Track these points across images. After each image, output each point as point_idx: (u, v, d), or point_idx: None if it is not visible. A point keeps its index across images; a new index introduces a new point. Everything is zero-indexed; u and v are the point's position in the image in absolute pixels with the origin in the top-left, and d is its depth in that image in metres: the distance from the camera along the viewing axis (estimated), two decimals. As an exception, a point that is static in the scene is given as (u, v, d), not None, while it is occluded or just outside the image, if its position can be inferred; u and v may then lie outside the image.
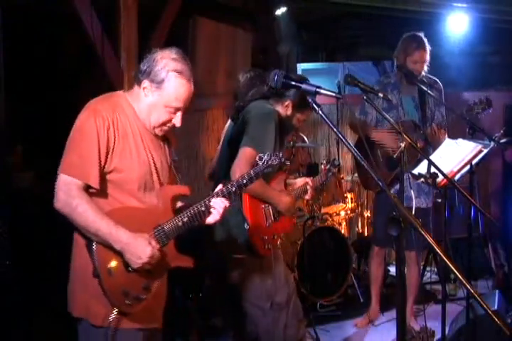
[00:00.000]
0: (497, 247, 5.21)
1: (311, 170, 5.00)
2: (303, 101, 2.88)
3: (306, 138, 5.20)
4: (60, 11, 4.49)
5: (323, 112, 1.83)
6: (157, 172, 2.22)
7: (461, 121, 3.59)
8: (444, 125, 3.88)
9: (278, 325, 2.83)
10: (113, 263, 2.04)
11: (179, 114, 2.17)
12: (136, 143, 2.15)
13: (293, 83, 1.94)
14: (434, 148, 3.85)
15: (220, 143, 3.15)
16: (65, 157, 2.07)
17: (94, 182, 2.05)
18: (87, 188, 2.06)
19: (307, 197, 3.14)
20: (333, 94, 1.91)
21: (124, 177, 2.11)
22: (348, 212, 5.08)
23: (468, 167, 3.21)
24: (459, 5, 5.76)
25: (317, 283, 4.43)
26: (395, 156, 3.83)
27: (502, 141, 4.10)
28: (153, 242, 2.06)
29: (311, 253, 4.38)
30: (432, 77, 4.02)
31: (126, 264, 2.05)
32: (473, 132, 3.29)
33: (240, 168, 2.66)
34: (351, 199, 5.12)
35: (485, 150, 3.23)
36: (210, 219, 2.24)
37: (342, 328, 4.27)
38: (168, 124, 2.20)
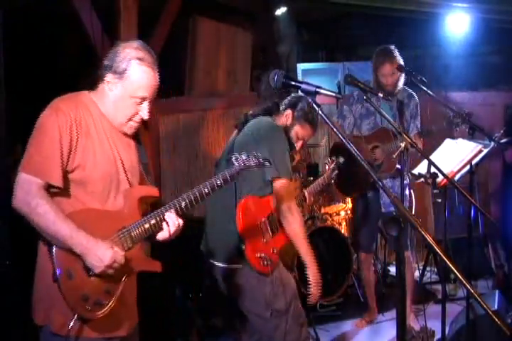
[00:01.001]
0: (497, 247, 5.21)
1: (311, 170, 4.99)
2: (303, 114, 2.89)
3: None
4: (60, 11, 4.49)
5: (323, 112, 1.83)
6: (125, 172, 2.14)
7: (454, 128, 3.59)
8: (423, 135, 3.90)
9: (278, 331, 2.81)
10: (73, 267, 1.96)
11: (145, 105, 2.11)
12: (100, 141, 2.08)
13: (293, 83, 1.94)
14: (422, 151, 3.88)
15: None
16: (26, 155, 2.01)
17: (57, 181, 1.98)
18: (48, 188, 1.98)
19: (308, 203, 3.11)
20: (333, 94, 1.91)
21: (87, 175, 2.04)
22: (348, 212, 5.08)
23: (468, 167, 3.22)
24: (459, 5, 5.76)
25: (317, 283, 4.43)
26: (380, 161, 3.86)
27: (502, 141, 4.10)
28: (116, 247, 1.98)
29: (311, 253, 4.37)
30: (409, 90, 4.01)
31: (87, 268, 1.97)
32: (473, 132, 3.29)
33: (288, 205, 2.74)
34: (351, 199, 5.11)
35: (485, 150, 3.23)
36: (160, 236, 2.13)
37: (342, 328, 4.27)
38: (136, 119, 2.13)
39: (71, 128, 2.01)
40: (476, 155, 3.20)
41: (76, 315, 1.95)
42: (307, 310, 4.06)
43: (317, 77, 6.24)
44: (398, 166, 3.82)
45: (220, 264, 2.83)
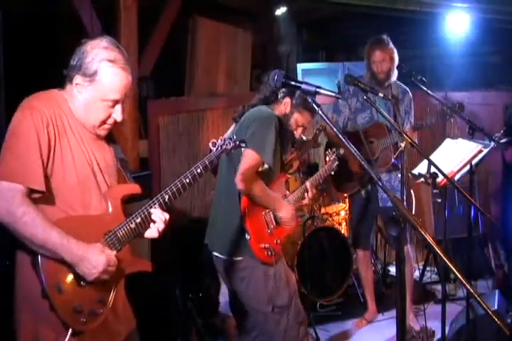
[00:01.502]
0: (497, 247, 5.21)
1: (311, 170, 4.99)
2: (302, 101, 2.89)
3: (304, 138, 5.19)
4: (60, 11, 4.49)
5: (323, 112, 1.83)
6: (102, 174, 2.04)
7: (461, 121, 3.60)
8: (416, 128, 3.90)
9: (278, 328, 2.82)
10: (62, 279, 1.86)
11: (118, 108, 2.00)
12: (76, 142, 1.97)
13: (293, 83, 1.94)
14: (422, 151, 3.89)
15: None
16: (2, 162, 1.85)
17: (39, 185, 1.84)
18: (29, 194, 1.84)
19: (309, 195, 3.08)
20: (333, 94, 1.91)
21: (65, 180, 1.92)
22: (348, 212, 5.08)
23: (468, 167, 3.21)
24: (459, 5, 5.76)
25: (317, 283, 4.43)
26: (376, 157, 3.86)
27: (502, 141, 4.10)
28: (108, 250, 1.91)
29: (311, 253, 4.37)
30: (402, 85, 4.02)
31: (77, 278, 1.88)
32: (473, 132, 3.29)
33: (243, 173, 2.66)
34: (348, 195, 5.11)
35: (485, 150, 3.23)
36: (149, 234, 2.06)
37: (342, 328, 4.27)
38: (109, 121, 2.02)
39: (48, 128, 1.89)
40: (476, 155, 3.20)
41: (70, 330, 1.86)
42: (307, 309, 4.07)
43: (317, 77, 6.24)
44: (393, 160, 3.84)
45: (224, 257, 2.84)
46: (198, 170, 2.11)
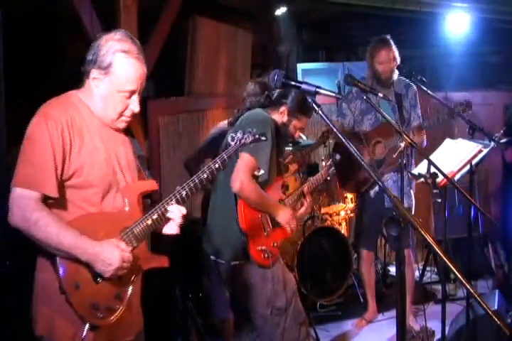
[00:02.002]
0: (497, 247, 5.21)
1: (311, 170, 5.00)
2: (299, 108, 2.90)
3: (304, 137, 5.19)
4: (60, 11, 4.49)
5: (323, 112, 1.83)
6: (122, 170, 2.07)
7: (456, 120, 3.60)
8: (422, 125, 3.88)
9: (277, 330, 2.82)
10: (79, 277, 1.90)
11: (135, 98, 2.03)
12: (94, 142, 1.99)
13: (293, 83, 1.93)
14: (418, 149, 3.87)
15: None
16: (17, 169, 1.92)
17: (52, 192, 1.89)
18: (45, 199, 1.90)
19: (308, 200, 3.08)
20: (333, 94, 1.91)
21: (85, 179, 1.96)
22: (348, 212, 5.08)
23: (468, 167, 3.21)
24: (459, 5, 5.77)
25: (317, 283, 4.43)
26: (382, 156, 3.86)
27: (502, 141, 4.10)
28: (122, 245, 1.94)
29: (311, 253, 4.37)
30: (405, 80, 4.01)
31: (94, 275, 1.92)
32: (473, 132, 3.28)
33: (239, 176, 2.67)
34: (351, 199, 5.11)
35: (485, 150, 3.23)
36: (168, 230, 2.10)
37: (342, 328, 4.27)
38: (127, 113, 2.05)
39: (63, 134, 1.92)
40: (476, 155, 3.20)
41: (88, 325, 1.91)
42: (307, 310, 4.07)
43: (317, 77, 6.24)
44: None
45: (222, 261, 2.84)
46: (216, 165, 2.14)
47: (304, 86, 1.90)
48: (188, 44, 5.59)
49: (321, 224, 4.59)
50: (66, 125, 1.94)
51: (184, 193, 2.08)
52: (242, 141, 2.23)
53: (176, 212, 2.06)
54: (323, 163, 3.39)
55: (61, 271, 1.88)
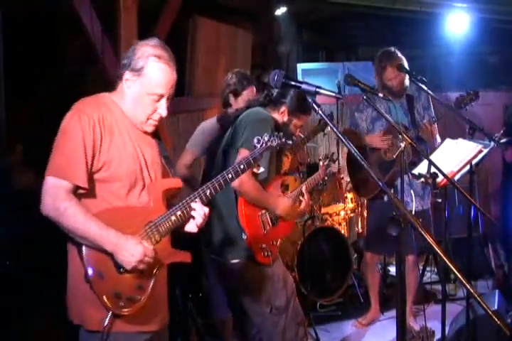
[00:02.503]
0: (497, 247, 5.21)
1: (311, 170, 5.00)
2: (298, 107, 2.90)
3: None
4: (60, 11, 4.50)
5: (323, 112, 1.83)
6: (148, 169, 2.16)
7: (461, 121, 3.60)
8: (434, 121, 3.86)
9: (277, 328, 2.82)
10: (103, 266, 1.98)
11: (164, 102, 2.13)
12: (123, 140, 2.10)
13: (293, 83, 1.94)
14: (429, 145, 3.86)
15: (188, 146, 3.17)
16: (51, 159, 2.03)
17: (83, 182, 2.00)
18: (75, 190, 2.01)
19: (305, 198, 3.08)
20: (333, 94, 1.91)
21: (113, 174, 2.06)
22: (348, 212, 5.08)
23: (468, 167, 3.21)
24: (459, 5, 5.77)
25: (317, 283, 4.43)
26: (393, 157, 3.84)
27: (502, 141, 4.09)
28: (146, 243, 2.01)
29: (311, 253, 4.37)
30: (417, 83, 4.00)
31: (117, 265, 2.00)
32: (473, 132, 3.29)
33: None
34: (351, 199, 5.12)
35: (485, 150, 3.22)
36: (189, 228, 2.17)
37: (342, 328, 4.27)
38: (154, 117, 2.15)
39: (94, 129, 2.03)
40: (476, 156, 3.19)
41: (110, 312, 1.98)
42: (307, 310, 4.07)
43: (317, 77, 6.23)
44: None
45: (221, 259, 2.84)
46: (242, 167, 2.25)
47: (304, 86, 1.90)
48: (188, 44, 5.60)
49: (321, 224, 4.59)
50: (98, 121, 2.04)
51: (208, 192, 2.16)
52: (269, 144, 2.31)
53: (199, 211, 2.13)
54: (321, 163, 3.40)
55: (86, 260, 1.97)
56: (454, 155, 3.25)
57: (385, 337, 4.00)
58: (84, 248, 1.97)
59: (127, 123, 2.14)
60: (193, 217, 2.14)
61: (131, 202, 2.10)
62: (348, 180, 5.32)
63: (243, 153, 2.69)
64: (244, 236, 2.74)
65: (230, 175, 2.21)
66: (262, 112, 2.87)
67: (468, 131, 3.30)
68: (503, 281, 4.87)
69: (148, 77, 2.09)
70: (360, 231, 5.53)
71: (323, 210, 4.84)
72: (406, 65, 3.86)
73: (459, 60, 7.16)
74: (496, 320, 1.42)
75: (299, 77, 6.31)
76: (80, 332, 2.09)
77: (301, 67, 6.66)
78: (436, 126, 3.90)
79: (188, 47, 5.59)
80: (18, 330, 3.37)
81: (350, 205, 5.09)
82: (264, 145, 2.29)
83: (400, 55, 3.87)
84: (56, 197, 1.97)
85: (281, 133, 2.36)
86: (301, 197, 3.05)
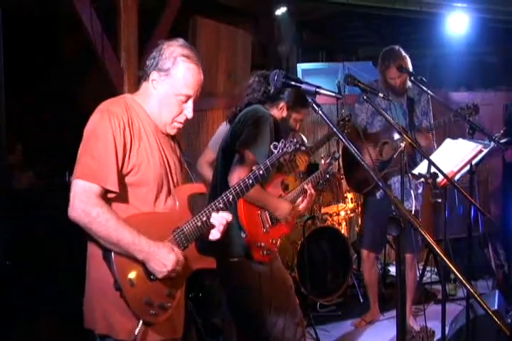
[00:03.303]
0: (497, 247, 5.21)
1: (311, 170, 4.99)
2: (297, 101, 2.90)
3: (305, 139, 5.20)
4: (60, 11, 4.50)
5: (323, 112, 1.83)
6: (171, 173, 2.13)
7: (461, 121, 3.59)
8: (431, 129, 3.87)
9: (275, 328, 2.82)
10: (134, 273, 1.93)
11: (190, 104, 2.09)
12: (150, 143, 2.05)
13: (293, 83, 1.93)
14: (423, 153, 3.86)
15: (209, 145, 3.17)
16: (79, 161, 1.95)
17: (114, 187, 1.93)
18: (105, 194, 1.94)
19: (311, 192, 3.06)
20: (333, 94, 1.91)
21: (141, 178, 2.01)
22: (348, 212, 5.08)
23: (468, 167, 3.21)
24: (459, 5, 5.77)
25: (317, 283, 4.43)
26: (389, 157, 3.85)
27: (502, 141, 4.09)
28: (176, 249, 1.98)
29: (311, 253, 4.37)
30: (420, 85, 4.00)
31: (148, 273, 1.95)
32: (473, 132, 3.29)
33: (237, 172, 2.67)
34: (351, 199, 5.12)
35: (485, 150, 3.22)
36: (211, 236, 2.14)
37: (342, 328, 4.27)
38: (179, 119, 2.11)
39: (124, 132, 1.97)
40: (476, 155, 3.19)
41: (141, 321, 1.94)
42: (307, 310, 4.07)
43: (317, 77, 6.24)
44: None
45: (220, 257, 2.84)
46: (261, 172, 2.25)
47: (304, 86, 1.90)
48: (188, 44, 5.59)
49: (321, 224, 4.59)
50: (127, 124, 1.99)
51: (231, 197, 2.15)
52: (285, 149, 2.33)
53: (219, 219, 2.11)
54: (323, 161, 3.40)
55: (116, 267, 1.91)
56: (454, 155, 3.25)
57: (385, 337, 4.00)
58: (113, 255, 1.91)
59: (152, 125, 2.09)
60: (214, 224, 2.12)
61: (158, 207, 2.06)
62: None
63: (242, 152, 2.69)
64: (243, 235, 2.74)
65: (250, 181, 2.22)
66: (261, 110, 2.86)
67: (468, 131, 3.30)
68: (503, 281, 4.87)
69: (176, 77, 2.05)
70: (358, 231, 5.53)
71: (323, 210, 4.84)
72: (410, 63, 3.86)
73: (458, 60, 7.17)
74: (496, 320, 1.42)
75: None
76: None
77: (301, 67, 6.67)
78: (432, 134, 3.90)
79: (188, 47, 5.59)
80: (18, 330, 3.37)
81: (350, 205, 5.09)
82: (280, 151, 2.32)
83: (404, 53, 3.87)
84: (87, 202, 1.89)
85: (295, 140, 2.37)
86: (301, 198, 3.05)
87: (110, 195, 1.96)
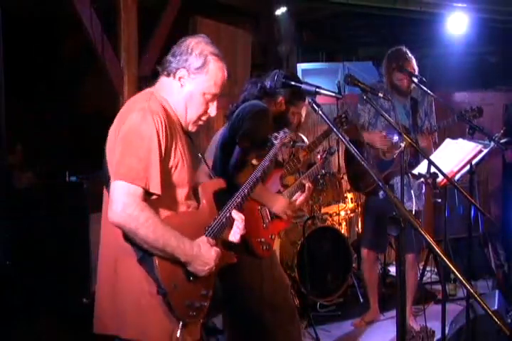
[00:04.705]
0: (497, 247, 5.21)
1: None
2: (294, 95, 2.91)
3: (305, 139, 5.19)
4: (60, 11, 4.50)
5: (323, 112, 1.83)
6: (192, 170, 2.12)
7: (461, 121, 3.60)
8: (435, 130, 3.86)
9: (271, 327, 2.82)
10: (176, 276, 1.92)
11: (215, 103, 2.08)
12: (182, 142, 2.03)
13: (293, 83, 1.94)
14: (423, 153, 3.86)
15: (211, 143, 3.19)
16: (123, 162, 1.85)
17: (158, 190, 1.87)
18: (146, 196, 1.86)
19: (309, 185, 3.07)
20: (333, 94, 1.91)
21: (178, 178, 1.98)
22: (348, 212, 5.08)
23: (468, 167, 3.21)
24: (459, 5, 5.77)
25: (317, 283, 4.43)
26: (392, 157, 3.84)
27: (502, 141, 4.09)
28: (212, 241, 1.99)
29: (311, 253, 4.37)
30: (423, 87, 4.00)
31: (187, 274, 1.94)
32: (473, 132, 3.29)
33: (236, 165, 2.70)
34: (351, 199, 5.12)
35: (485, 150, 3.22)
36: (232, 238, 2.14)
37: (342, 328, 4.27)
38: (203, 117, 2.08)
39: (166, 130, 1.92)
40: (476, 155, 3.19)
41: (181, 323, 1.92)
42: (307, 310, 4.07)
43: (317, 77, 6.24)
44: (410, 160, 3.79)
45: None
46: (266, 163, 2.36)
47: (303, 86, 1.90)
48: (188, 44, 5.59)
49: (321, 224, 4.59)
50: (166, 122, 1.94)
51: (246, 191, 2.22)
52: (283, 140, 2.48)
53: (238, 215, 2.13)
54: (318, 156, 3.42)
55: (160, 272, 1.86)
56: (453, 155, 3.25)
57: (385, 337, 4.00)
58: (156, 259, 1.85)
59: (177, 122, 2.06)
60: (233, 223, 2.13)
61: (188, 206, 2.04)
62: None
63: (243, 146, 2.72)
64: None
65: (259, 173, 2.29)
66: (259, 104, 2.88)
67: (468, 131, 3.30)
68: (503, 281, 4.86)
69: (208, 75, 2.02)
70: (360, 231, 5.53)
71: (323, 210, 4.84)
72: (415, 65, 3.86)
73: (458, 60, 7.16)
74: (496, 320, 1.42)
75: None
76: None
77: (301, 67, 6.67)
78: (435, 135, 3.89)
79: (188, 47, 5.59)
80: (18, 330, 3.37)
81: (350, 205, 5.09)
82: (279, 141, 2.44)
83: (410, 55, 3.87)
84: (135, 206, 1.81)
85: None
86: (298, 193, 3.05)
87: (152, 198, 1.89)
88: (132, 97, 2.08)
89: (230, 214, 2.10)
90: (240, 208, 2.16)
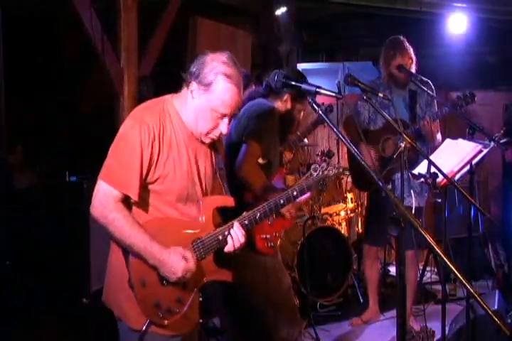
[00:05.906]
0: (497, 247, 5.21)
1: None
2: (300, 92, 2.92)
3: (305, 139, 5.20)
4: (60, 11, 4.50)
5: (323, 112, 1.83)
6: (200, 183, 2.15)
7: (461, 121, 3.59)
8: (437, 117, 3.84)
9: (272, 325, 2.82)
10: (147, 275, 2.01)
11: (226, 120, 2.09)
12: (180, 153, 2.08)
13: (293, 83, 1.94)
14: (427, 142, 3.85)
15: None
16: (107, 162, 2.02)
17: (134, 194, 1.99)
18: (125, 198, 2.01)
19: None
20: (333, 94, 1.92)
21: (166, 188, 2.06)
22: (348, 212, 5.08)
23: (468, 167, 3.21)
24: (459, 5, 5.77)
25: (317, 283, 4.43)
26: (394, 156, 3.84)
27: (502, 141, 4.09)
28: (189, 256, 2.01)
29: (311, 253, 4.37)
30: (422, 78, 4.00)
31: (161, 277, 2.02)
32: (473, 132, 3.29)
33: (245, 162, 2.70)
34: (351, 199, 5.12)
35: (485, 150, 3.22)
36: (226, 248, 2.15)
37: (342, 328, 4.27)
38: (215, 133, 2.11)
39: (153, 142, 2.01)
40: (476, 155, 3.19)
41: (148, 320, 2.01)
42: (307, 310, 4.07)
43: (317, 77, 6.24)
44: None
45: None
46: (294, 193, 2.31)
47: (304, 86, 1.91)
48: (188, 44, 5.60)
49: (321, 224, 4.59)
50: (158, 134, 2.02)
51: (258, 215, 2.19)
52: (325, 173, 2.37)
53: (238, 235, 2.12)
54: (318, 159, 3.44)
55: (131, 267, 1.99)
56: (454, 155, 3.25)
57: (385, 337, 4.00)
58: (130, 255, 1.99)
59: (185, 132, 2.10)
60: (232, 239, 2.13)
61: (182, 213, 2.10)
62: (349, 179, 5.32)
63: (248, 144, 2.71)
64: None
65: (281, 201, 2.25)
66: (264, 103, 2.88)
67: (468, 131, 3.30)
68: (503, 281, 4.87)
69: (214, 94, 2.04)
70: (361, 231, 5.53)
71: (323, 210, 4.85)
72: (413, 54, 3.89)
73: (458, 60, 7.16)
74: (496, 320, 1.42)
75: (299, 77, 6.30)
76: (120, 324, 2.11)
77: (301, 67, 6.66)
78: (437, 123, 3.89)
79: (188, 47, 5.59)
80: (18, 330, 3.37)
81: (350, 205, 5.10)
82: (321, 173, 2.34)
83: (407, 44, 3.88)
84: (106, 205, 1.97)
85: (339, 165, 2.44)
86: None
87: (131, 201, 2.02)
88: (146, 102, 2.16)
89: (229, 232, 2.11)
90: (244, 228, 2.14)
